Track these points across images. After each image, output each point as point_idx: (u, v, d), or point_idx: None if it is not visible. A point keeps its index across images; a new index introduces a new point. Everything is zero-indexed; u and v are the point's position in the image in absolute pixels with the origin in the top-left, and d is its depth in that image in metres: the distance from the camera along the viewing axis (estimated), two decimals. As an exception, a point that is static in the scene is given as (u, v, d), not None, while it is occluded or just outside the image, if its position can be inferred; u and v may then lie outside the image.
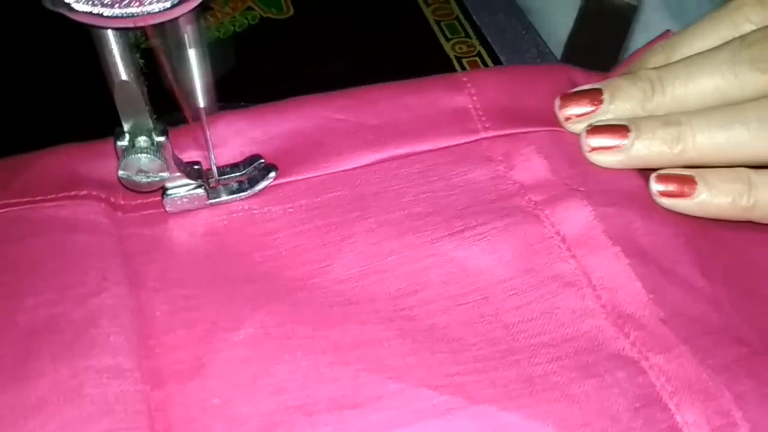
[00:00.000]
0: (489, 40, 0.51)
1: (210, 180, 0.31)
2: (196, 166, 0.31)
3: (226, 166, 0.32)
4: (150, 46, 0.26)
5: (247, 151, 0.33)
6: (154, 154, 0.28)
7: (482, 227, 0.31)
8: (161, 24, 0.25)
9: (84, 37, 0.26)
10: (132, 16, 0.24)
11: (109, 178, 0.31)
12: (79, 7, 0.24)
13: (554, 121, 0.35)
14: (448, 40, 0.51)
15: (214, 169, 0.31)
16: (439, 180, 0.33)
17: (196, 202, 0.31)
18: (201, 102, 0.28)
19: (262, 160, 0.32)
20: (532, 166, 0.33)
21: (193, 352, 0.27)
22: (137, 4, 0.24)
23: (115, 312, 0.27)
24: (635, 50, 0.37)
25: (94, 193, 0.31)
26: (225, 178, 0.32)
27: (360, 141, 0.33)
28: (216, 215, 0.31)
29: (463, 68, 0.49)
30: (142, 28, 0.24)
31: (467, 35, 0.52)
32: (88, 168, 0.32)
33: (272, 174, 0.32)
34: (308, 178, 0.32)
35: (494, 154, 0.34)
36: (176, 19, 0.25)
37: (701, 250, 0.31)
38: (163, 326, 0.28)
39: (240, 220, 0.31)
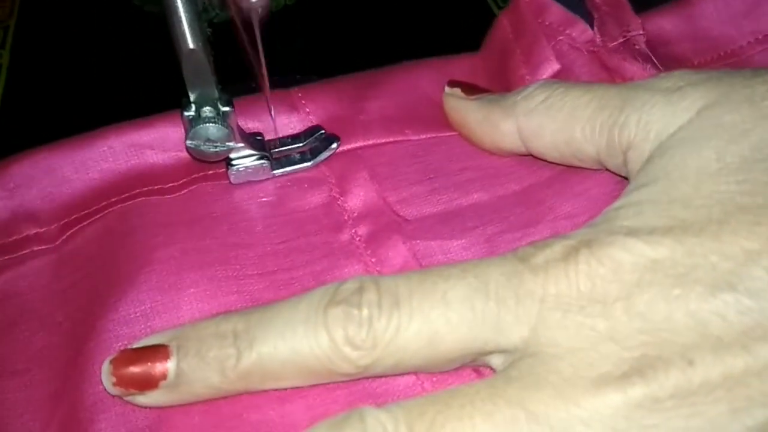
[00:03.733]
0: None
1: (273, 151, 0.31)
2: (258, 137, 0.31)
3: (287, 137, 0.32)
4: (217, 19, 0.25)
5: None
6: (221, 123, 0.28)
7: (297, 271, 0.28)
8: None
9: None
10: (201, -16, 0.24)
11: None
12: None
13: (398, 129, 0.32)
14: (500, 7, 0.50)
15: (277, 139, 0.31)
16: (264, 206, 0.30)
17: (260, 173, 0.31)
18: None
19: (323, 131, 0.32)
20: (364, 191, 0.30)
21: None
22: (206, -29, 0.24)
23: None
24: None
25: None
26: (287, 149, 0.31)
27: (181, 164, 0.31)
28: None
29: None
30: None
31: None
32: None
33: (334, 145, 0.31)
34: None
35: (329, 175, 0.31)
36: None
37: None
38: None
39: (40, 276, 0.29)
